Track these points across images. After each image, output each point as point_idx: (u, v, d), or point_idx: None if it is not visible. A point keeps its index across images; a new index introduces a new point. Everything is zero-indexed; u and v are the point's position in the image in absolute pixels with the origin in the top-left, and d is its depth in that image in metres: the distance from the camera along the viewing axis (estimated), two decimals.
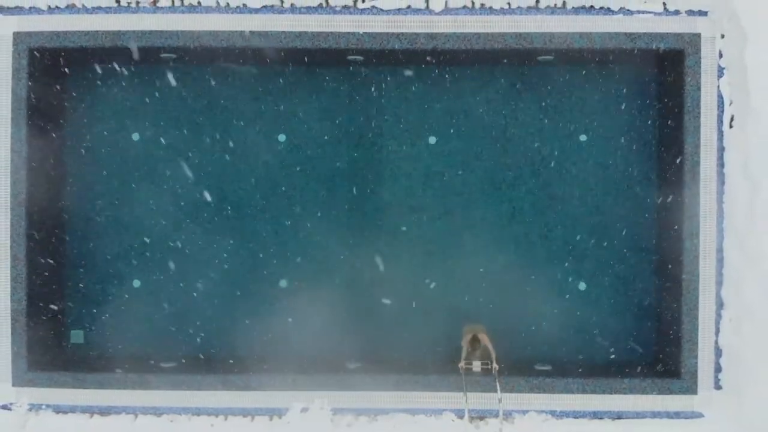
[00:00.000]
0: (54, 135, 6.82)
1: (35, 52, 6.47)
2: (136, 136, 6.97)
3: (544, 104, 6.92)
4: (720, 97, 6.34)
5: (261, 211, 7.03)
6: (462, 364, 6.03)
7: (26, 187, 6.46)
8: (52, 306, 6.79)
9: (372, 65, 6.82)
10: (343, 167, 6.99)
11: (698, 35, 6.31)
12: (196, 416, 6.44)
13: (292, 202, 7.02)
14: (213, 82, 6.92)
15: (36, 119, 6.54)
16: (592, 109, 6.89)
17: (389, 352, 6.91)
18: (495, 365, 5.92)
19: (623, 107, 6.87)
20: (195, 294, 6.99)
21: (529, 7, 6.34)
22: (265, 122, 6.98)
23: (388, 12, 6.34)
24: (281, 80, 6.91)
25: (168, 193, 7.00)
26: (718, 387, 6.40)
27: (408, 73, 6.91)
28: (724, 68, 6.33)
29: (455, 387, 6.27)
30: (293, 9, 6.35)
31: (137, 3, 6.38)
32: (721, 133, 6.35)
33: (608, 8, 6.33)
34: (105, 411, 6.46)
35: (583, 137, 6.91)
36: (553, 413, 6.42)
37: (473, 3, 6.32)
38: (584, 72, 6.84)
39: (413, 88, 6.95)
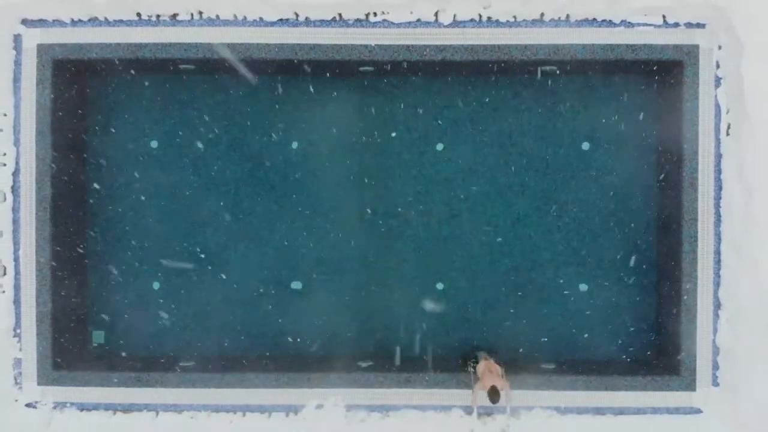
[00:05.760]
0: (77, 142, 7.04)
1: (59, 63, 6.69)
2: (154, 143, 7.21)
3: (547, 113, 7.13)
4: (717, 106, 6.57)
5: (264, 214, 7.26)
6: (475, 415, 6.24)
7: (50, 193, 6.69)
8: (76, 307, 7.02)
9: (383, 75, 7.05)
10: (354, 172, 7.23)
11: (696, 47, 6.54)
12: (215, 413, 6.67)
13: (298, 205, 7.25)
14: (229, 92, 7.15)
15: (59, 127, 6.76)
16: (594, 117, 7.10)
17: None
18: (508, 423, 6.11)
19: (624, 116, 7.08)
20: (212, 295, 7.24)
21: (534, 20, 6.56)
22: (278, 130, 7.20)
23: (398, 25, 6.55)
24: (294, 90, 7.14)
25: (184, 197, 7.22)
26: (715, 384, 6.64)
27: (417, 82, 7.13)
28: (721, 78, 6.55)
29: (463, 384, 6.54)
30: (308, 22, 6.57)
31: (158, 16, 6.59)
32: (718, 141, 6.58)
33: (610, 21, 6.55)
34: (127, 408, 6.70)
35: (585, 145, 7.14)
36: (557, 409, 6.65)
37: (480, 16, 6.54)
38: (587, 82, 7.07)
39: (422, 97, 7.17)
